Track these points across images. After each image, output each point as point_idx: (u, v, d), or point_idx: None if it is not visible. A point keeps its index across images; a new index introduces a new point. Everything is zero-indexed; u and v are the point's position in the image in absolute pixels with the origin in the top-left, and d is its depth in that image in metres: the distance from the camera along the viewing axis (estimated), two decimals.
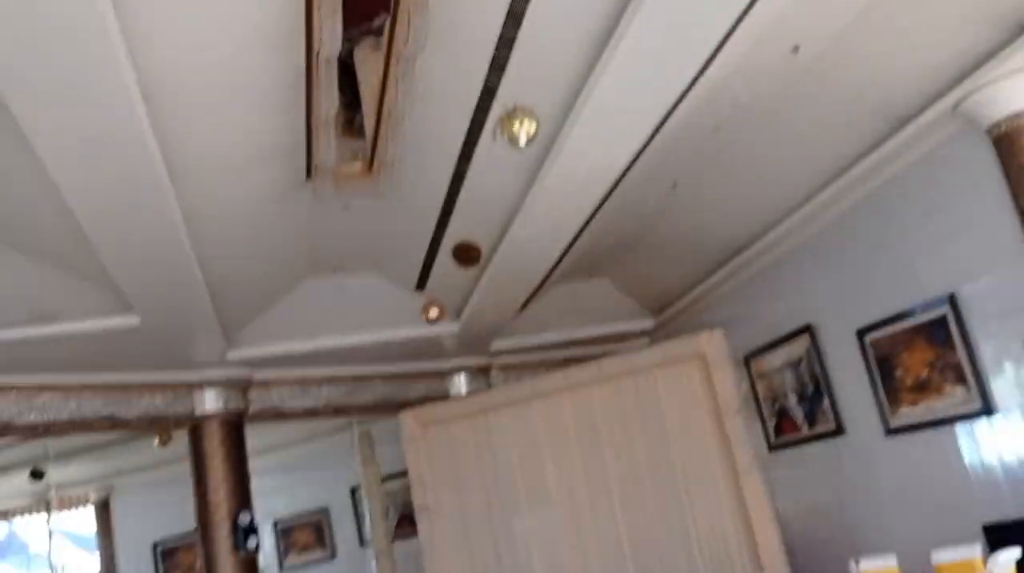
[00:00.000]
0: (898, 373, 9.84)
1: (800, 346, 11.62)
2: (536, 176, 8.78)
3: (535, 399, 13.25)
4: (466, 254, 10.24)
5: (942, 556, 7.40)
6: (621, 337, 14.88)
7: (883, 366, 10.06)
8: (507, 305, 12.64)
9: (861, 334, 10.33)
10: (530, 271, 11.36)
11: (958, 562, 7.27)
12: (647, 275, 13.78)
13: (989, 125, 7.78)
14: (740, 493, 11.51)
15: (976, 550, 7.29)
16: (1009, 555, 6.41)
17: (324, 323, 12.75)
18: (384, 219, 10.38)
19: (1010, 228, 7.98)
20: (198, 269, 8.77)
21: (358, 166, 9.68)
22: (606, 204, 10.11)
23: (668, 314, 14.69)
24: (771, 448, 12.50)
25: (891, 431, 10.05)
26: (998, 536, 7.68)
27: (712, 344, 11.97)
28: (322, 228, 10.64)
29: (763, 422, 12.62)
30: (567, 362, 14.32)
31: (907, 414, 9.78)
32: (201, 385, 13.11)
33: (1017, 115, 7.54)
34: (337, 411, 14.66)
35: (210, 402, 13.30)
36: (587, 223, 10.44)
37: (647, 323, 15.00)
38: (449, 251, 10.50)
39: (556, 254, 10.98)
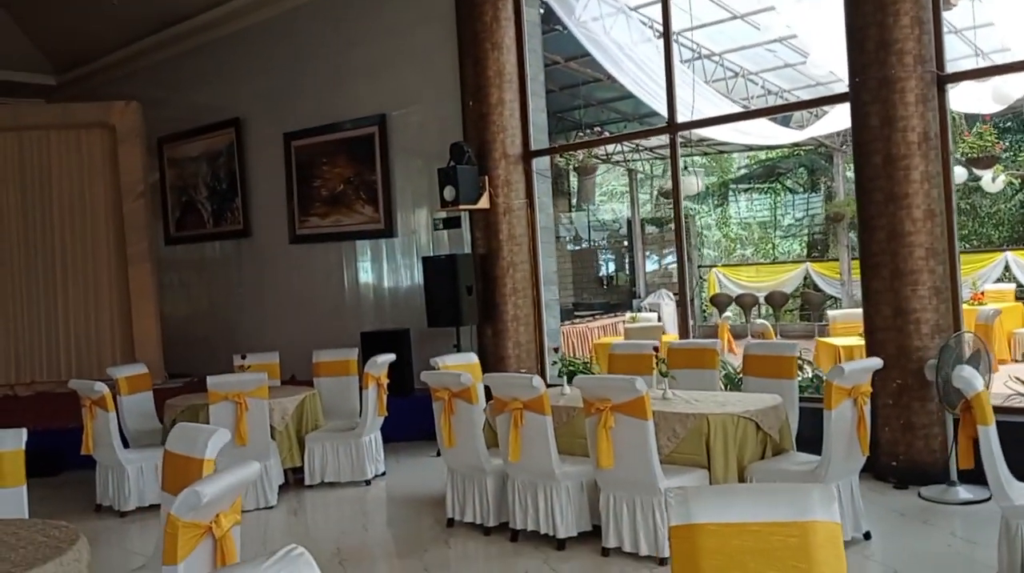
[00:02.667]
0: (316, 183, 9.90)
1: (223, 140, 10.94)
2: None
3: None
4: None
5: (322, 355, 7.78)
6: (12, 87, 12.37)
7: (303, 174, 10.01)
8: None
9: (288, 138, 10.12)
10: None
11: (336, 361, 7.71)
12: (60, 21, 11.54)
13: None
14: (126, 282, 10.62)
15: (353, 353, 7.83)
16: (385, 358, 6.97)
17: None
18: None
19: (450, 61, 8.38)
20: None
21: None
22: None
23: (75, 75, 12.62)
24: (170, 241, 11.75)
25: (297, 239, 10.15)
26: (372, 342, 8.31)
27: (125, 116, 10.60)
28: None
29: (166, 212, 11.76)
30: None
31: (316, 224, 9.95)
32: None
33: None
34: None
35: None
36: None
37: (48, 79, 12.73)
38: None
39: None
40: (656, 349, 5.36)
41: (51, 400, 9.86)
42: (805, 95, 13.12)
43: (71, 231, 10.60)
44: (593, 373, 9.19)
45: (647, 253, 18.55)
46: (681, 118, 8.84)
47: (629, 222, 19.47)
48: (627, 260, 18.58)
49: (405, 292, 9.20)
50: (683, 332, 7.41)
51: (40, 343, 10.53)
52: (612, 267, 19.31)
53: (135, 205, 10.53)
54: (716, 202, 20.16)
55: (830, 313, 10.74)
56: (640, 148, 17.81)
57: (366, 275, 9.62)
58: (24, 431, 3.74)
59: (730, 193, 20.73)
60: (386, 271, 9.43)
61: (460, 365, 6.40)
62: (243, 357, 7.10)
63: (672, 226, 20.55)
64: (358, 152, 9.44)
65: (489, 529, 5.08)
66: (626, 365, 6.20)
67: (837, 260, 15.22)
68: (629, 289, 17.69)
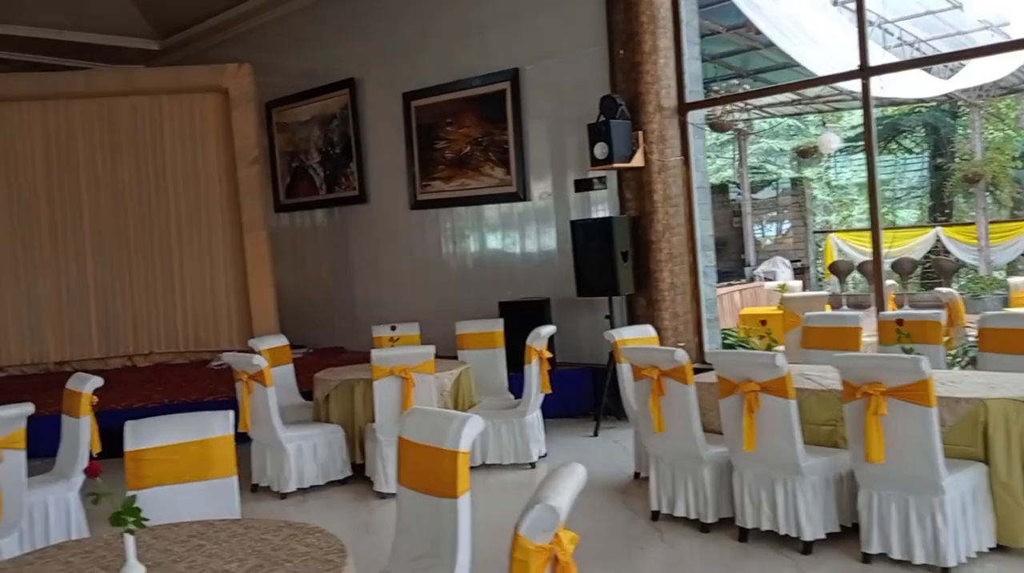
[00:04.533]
0: (440, 145, 9.34)
1: (336, 102, 10.45)
2: None
3: None
4: None
5: (466, 327, 7.26)
6: (114, 53, 12.08)
7: (425, 136, 9.46)
8: None
9: (408, 98, 9.56)
10: None
11: (481, 333, 7.20)
12: None
13: None
14: (241, 251, 10.24)
15: (499, 324, 7.28)
16: (548, 330, 6.42)
17: None
18: None
19: (594, 6, 7.67)
20: None
21: None
22: None
23: (177, 39, 12.25)
24: (279, 208, 11.37)
25: (418, 204, 9.63)
26: (513, 312, 7.76)
27: (238, 79, 10.15)
28: None
29: (275, 179, 11.36)
30: (44, 68, 11.22)
31: (439, 189, 9.40)
32: None
33: None
34: None
35: None
36: None
37: (150, 44, 12.39)
38: None
39: None
40: (900, 321, 4.68)
41: (171, 371, 9.59)
42: (943, 46, 12.09)
43: (185, 198, 10.27)
44: (745, 346, 8.53)
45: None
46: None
47: (723, 186, 18.50)
48: (733, 225, 17.66)
49: (539, 259, 8.60)
50: (879, 303, 6.67)
51: (157, 313, 10.26)
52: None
53: (250, 171, 10.12)
54: (825, 164, 19.10)
55: (1011, 280, 9.80)
56: (749, 107, 16.90)
57: (496, 241, 9.04)
58: (231, 414, 3.27)
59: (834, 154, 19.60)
60: (518, 237, 8.84)
61: (638, 339, 5.80)
62: (392, 328, 6.61)
63: (765, 190, 19.65)
64: (487, 110, 8.84)
65: (707, 526, 4.49)
66: (827, 339, 5.56)
67: (971, 224, 14.17)
68: (738, 256, 16.84)
